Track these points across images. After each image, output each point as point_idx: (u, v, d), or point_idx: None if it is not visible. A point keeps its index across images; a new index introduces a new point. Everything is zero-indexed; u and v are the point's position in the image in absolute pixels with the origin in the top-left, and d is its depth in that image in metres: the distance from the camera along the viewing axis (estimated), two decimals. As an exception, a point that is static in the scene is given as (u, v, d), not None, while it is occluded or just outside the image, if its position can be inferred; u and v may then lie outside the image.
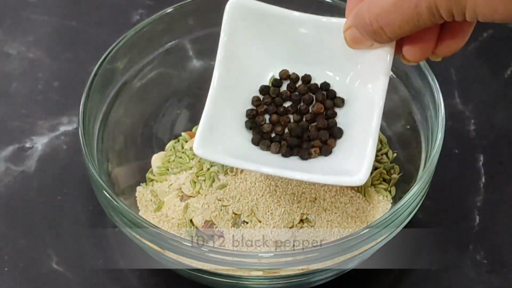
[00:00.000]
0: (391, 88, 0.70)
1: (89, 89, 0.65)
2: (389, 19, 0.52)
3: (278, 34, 0.62)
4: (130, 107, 0.71)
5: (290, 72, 0.63)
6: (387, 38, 0.54)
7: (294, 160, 0.61)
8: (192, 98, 0.74)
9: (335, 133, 0.61)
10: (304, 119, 0.62)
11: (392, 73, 0.70)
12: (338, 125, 0.61)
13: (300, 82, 0.63)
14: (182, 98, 0.74)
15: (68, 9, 0.88)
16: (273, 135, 0.62)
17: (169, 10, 0.70)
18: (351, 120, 0.61)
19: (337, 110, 0.62)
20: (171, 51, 0.72)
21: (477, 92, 0.80)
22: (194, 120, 0.74)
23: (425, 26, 0.52)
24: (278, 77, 0.63)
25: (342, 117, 0.62)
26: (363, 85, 0.61)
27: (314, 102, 0.63)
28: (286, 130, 0.62)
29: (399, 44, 0.56)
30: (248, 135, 0.62)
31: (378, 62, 0.58)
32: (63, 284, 0.68)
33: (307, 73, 0.63)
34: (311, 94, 0.63)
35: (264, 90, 0.63)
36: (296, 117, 0.62)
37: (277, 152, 0.61)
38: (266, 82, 0.63)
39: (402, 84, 0.69)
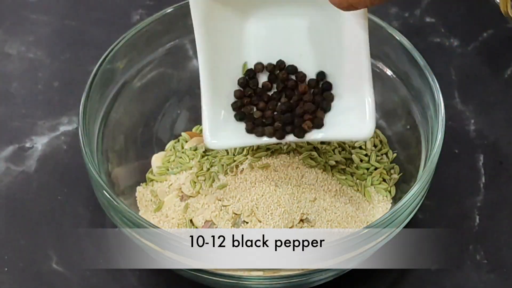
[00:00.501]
0: (391, 88, 0.70)
1: (89, 89, 0.65)
2: None
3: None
4: (130, 107, 0.71)
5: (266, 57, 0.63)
6: (368, 2, 0.55)
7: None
8: (192, 98, 0.74)
9: (323, 106, 0.62)
10: (291, 101, 0.64)
11: (392, 73, 0.70)
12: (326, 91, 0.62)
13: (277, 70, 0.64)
14: (182, 98, 0.74)
15: (68, 9, 0.88)
16: (264, 121, 0.63)
17: (169, 10, 0.70)
18: (342, 76, 0.62)
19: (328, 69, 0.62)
20: (171, 51, 0.72)
21: (477, 92, 0.80)
22: (194, 120, 0.74)
23: None
24: (252, 67, 0.63)
25: (332, 76, 0.63)
26: (345, 35, 0.61)
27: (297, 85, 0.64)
28: (276, 115, 0.63)
29: None
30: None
31: (355, 20, 0.59)
32: (63, 284, 0.68)
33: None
34: (293, 79, 0.64)
35: (243, 83, 0.63)
36: (284, 99, 0.63)
37: (273, 135, 0.62)
38: (250, 56, 0.63)
39: (402, 84, 0.69)
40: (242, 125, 0.63)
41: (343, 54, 0.61)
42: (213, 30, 0.61)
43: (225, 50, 0.62)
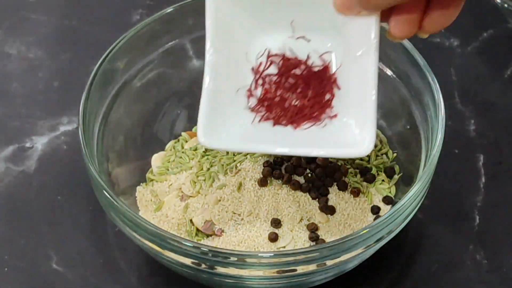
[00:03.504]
0: (391, 88, 0.70)
1: (89, 89, 0.65)
2: None
3: (266, 7, 0.60)
4: (130, 107, 0.71)
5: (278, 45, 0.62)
6: (376, 6, 0.53)
7: (299, 135, 0.60)
8: (192, 98, 0.74)
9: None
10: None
11: (392, 73, 0.70)
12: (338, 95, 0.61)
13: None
14: (182, 98, 0.74)
15: (68, 9, 0.88)
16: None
17: (169, 10, 0.70)
18: (348, 86, 0.61)
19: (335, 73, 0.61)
20: (171, 51, 0.72)
21: (477, 92, 0.80)
22: (194, 120, 0.73)
23: None
24: (272, 52, 0.62)
25: (340, 78, 0.61)
26: (354, 51, 0.59)
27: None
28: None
29: (386, 16, 0.55)
30: (249, 115, 0.61)
31: (366, 28, 0.57)
32: (63, 284, 0.68)
33: (295, 44, 0.62)
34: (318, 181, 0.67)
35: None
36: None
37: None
38: (256, 57, 0.62)
39: (402, 84, 0.69)
40: (240, 127, 0.60)
41: (350, 69, 0.61)
42: (222, 28, 0.60)
43: (233, 49, 0.62)
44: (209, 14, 0.59)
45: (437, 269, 0.68)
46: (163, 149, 0.73)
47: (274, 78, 0.61)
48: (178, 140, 0.73)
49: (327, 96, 0.60)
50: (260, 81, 0.61)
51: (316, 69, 0.61)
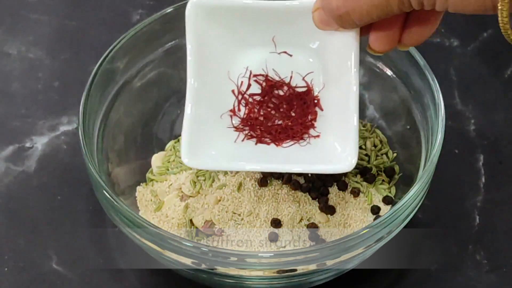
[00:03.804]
0: (391, 88, 0.70)
1: (89, 89, 0.65)
2: (357, 5, 0.52)
3: (247, 25, 0.61)
4: (130, 107, 0.71)
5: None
6: (353, 24, 0.54)
7: (281, 153, 0.61)
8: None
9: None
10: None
11: (392, 73, 0.70)
12: (320, 115, 0.62)
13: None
14: (182, 98, 0.74)
15: (68, 9, 0.88)
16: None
17: (169, 10, 0.70)
18: (330, 106, 0.61)
19: (318, 94, 0.62)
20: (171, 51, 0.72)
21: (477, 92, 0.80)
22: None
23: (392, 14, 0.51)
24: (255, 71, 0.62)
25: (322, 97, 0.62)
26: (335, 69, 0.60)
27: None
28: None
29: (366, 31, 0.56)
30: (232, 134, 0.62)
31: (346, 46, 0.58)
32: (63, 284, 0.68)
33: (277, 66, 0.62)
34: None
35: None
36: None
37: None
38: (239, 77, 0.62)
39: (402, 84, 0.69)
40: (222, 146, 0.61)
41: (332, 88, 0.61)
42: (204, 49, 0.61)
43: (214, 68, 0.62)
44: (190, 35, 0.60)
45: (437, 269, 0.68)
46: (163, 149, 0.73)
47: (257, 98, 0.62)
48: (178, 140, 0.73)
49: (310, 117, 0.61)
50: (243, 101, 0.62)
51: (299, 90, 0.61)
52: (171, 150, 0.72)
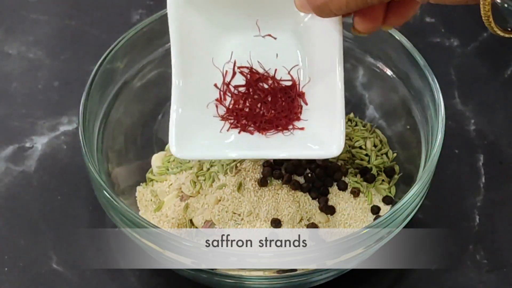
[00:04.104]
0: (391, 88, 0.70)
1: (89, 89, 0.65)
2: None
3: (229, 10, 0.61)
4: (130, 107, 0.71)
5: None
6: (331, 14, 0.54)
7: (267, 141, 0.62)
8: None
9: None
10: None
11: (392, 73, 0.70)
12: (306, 106, 0.62)
13: None
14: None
15: (68, 9, 0.88)
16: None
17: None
18: (317, 93, 0.62)
19: (304, 84, 0.62)
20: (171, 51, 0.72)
21: (477, 92, 0.80)
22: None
23: (372, 5, 0.52)
24: (239, 61, 0.63)
25: (308, 89, 0.62)
26: (320, 52, 0.61)
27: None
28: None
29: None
30: (217, 124, 0.62)
31: (329, 28, 0.58)
32: (63, 284, 0.68)
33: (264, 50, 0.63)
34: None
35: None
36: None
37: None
38: (224, 65, 0.63)
39: (402, 84, 0.69)
40: (210, 135, 0.62)
41: (316, 69, 0.61)
42: (188, 37, 0.61)
43: (198, 57, 0.62)
44: (172, 25, 0.61)
45: (437, 269, 0.68)
46: (163, 149, 0.73)
47: (242, 89, 0.62)
48: (178, 140, 0.73)
49: (295, 109, 0.61)
50: (228, 93, 0.62)
51: (284, 83, 0.62)
52: (171, 150, 0.72)
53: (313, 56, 0.61)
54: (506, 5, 0.77)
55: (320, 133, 0.60)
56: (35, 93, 0.81)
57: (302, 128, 0.61)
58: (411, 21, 0.85)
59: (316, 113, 0.61)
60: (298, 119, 0.62)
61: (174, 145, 0.60)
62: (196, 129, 0.61)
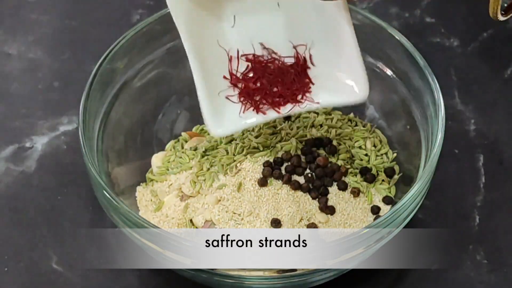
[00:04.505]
0: (391, 88, 0.70)
1: (89, 89, 0.65)
2: None
3: None
4: (130, 107, 0.71)
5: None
6: None
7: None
8: (192, 98, 0.73)
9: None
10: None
11: (392, 73, 0.70)
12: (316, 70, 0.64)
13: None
14: (182, 98, 0.74)
15: (68, 9, 0.88)
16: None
17: (169, 10, 0.70)
18: (325, 50, 0.64)
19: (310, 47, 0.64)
20: (171, 51, 0.72)
21: (477, 92, 0.80)
22: (194, 120, 0.74)
23: None
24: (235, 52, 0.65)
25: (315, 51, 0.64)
26: (322, 16, 0.63)
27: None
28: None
29: None
30: (237, 104, 0.65)
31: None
32: (63, 284, 0.68)
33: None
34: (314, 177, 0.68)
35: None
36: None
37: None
38: (236, 41, 0.65)
39: (402, 84, 0.69)
40: (237, 108, 0.64)
41: (324, 28, 0.63)
42: (196, 29, 0.62)
43: (210, 44, 0.63)
44: (178, 18, 0.62)
45: (437, 269, 0.68)
46: (163, 149, 0.73)
47: (250, 74, 0.64)
48: (178, 140, 0.73)
49: (304, 83, 0.64)
50: (239, 73, 0.65)
51: (289, 62, 0.64)
52: (171, 150, 0.72)
53: (316, 19, 0.63)
54: (506, 5, 0.77)
55: (344, 84, 0.63)
56: (35, 93, 0.81)
57: (317, 103, 0.64)
58: (411, 21, 0.85)
59: (332, 62, 0.64)
60: (309, 91, 0.64)
61: (211, 127, 0.63)
62: (223, 109, 0.63)
